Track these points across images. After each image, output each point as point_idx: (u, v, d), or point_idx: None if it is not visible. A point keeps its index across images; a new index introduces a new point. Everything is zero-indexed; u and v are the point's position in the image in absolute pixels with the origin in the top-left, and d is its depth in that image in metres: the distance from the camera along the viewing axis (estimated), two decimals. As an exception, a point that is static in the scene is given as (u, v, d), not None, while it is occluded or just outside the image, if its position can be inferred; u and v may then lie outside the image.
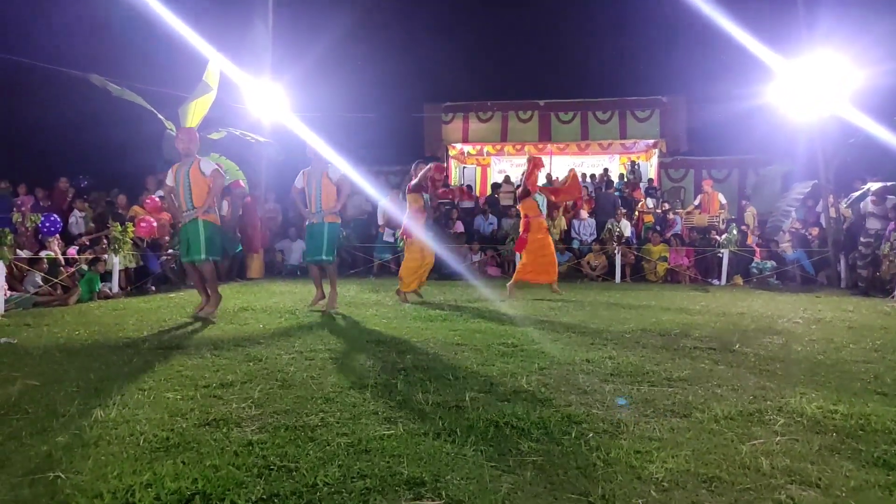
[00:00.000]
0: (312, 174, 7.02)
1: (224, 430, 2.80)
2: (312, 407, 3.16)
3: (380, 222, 13.50)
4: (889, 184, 10.12)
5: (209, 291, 6.46)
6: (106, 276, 8.80)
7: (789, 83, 11.96)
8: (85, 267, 8.48)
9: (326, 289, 7.27)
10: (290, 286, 9.95)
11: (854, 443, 2.68)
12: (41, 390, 3.51)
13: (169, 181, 6.54)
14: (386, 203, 13.17)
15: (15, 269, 7.67)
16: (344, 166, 7.05)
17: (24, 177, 12.15)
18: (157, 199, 10.85)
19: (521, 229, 9.16)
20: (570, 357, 4.46)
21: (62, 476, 2.29)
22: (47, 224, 9.26)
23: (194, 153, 6.50)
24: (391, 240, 13.09)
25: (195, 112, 10.83)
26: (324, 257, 7.05)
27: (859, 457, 2.52)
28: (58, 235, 8.71)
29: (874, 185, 10.72)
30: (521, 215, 9.16)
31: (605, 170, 18.89)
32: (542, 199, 9.01)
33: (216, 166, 6.47)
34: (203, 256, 6.28)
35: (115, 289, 8.84)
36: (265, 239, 12.73)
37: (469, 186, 19.22)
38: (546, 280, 9.03)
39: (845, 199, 11.93)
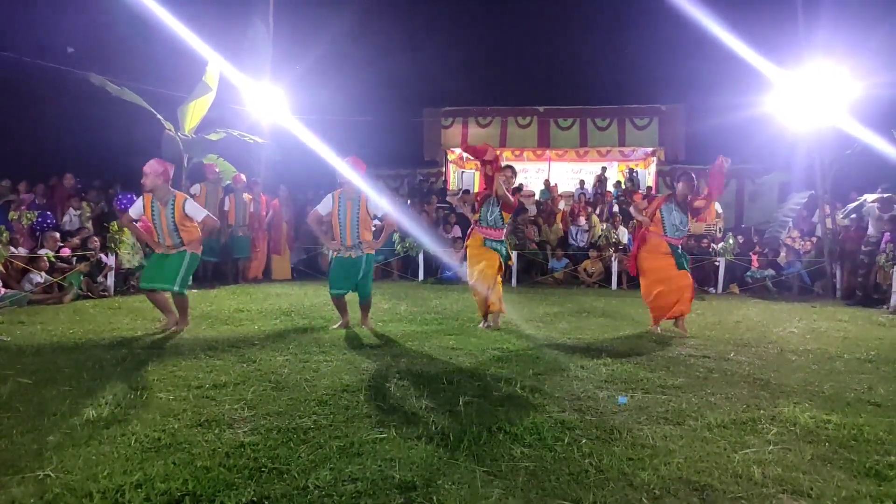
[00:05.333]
0: (344, 201, 5.96)
1: (216, 432, 2.79)
2: (305, 409, 3.16)
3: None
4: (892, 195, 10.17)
5: (180, 315, 5.86)
6: (92, 273, 8.73)
7: (788, 93, 12.01)
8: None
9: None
10: (286, 288, 9.93)
11: (847, 453, 2.68)
12: (33, 389, 3.50)
13: (135, 213, 5.83)
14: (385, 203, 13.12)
15: (10, 266, 7.65)
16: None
17: (23, 175, 12.10)
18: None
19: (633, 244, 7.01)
20: (565, 363, 4.46)
21: (51, 475, 2.29)
22: (42, 221, 9.23)
23: (165, 188, 5.74)
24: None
25: (194, 113, 10.86)
26: (369, 294, 6.17)
27: (851, 467, 2.53)
28: (56, 234, 8.67)
29: (870, 196, 10.76)
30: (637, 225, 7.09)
31: (604, 168, 18.79)
32: (670, 213, 6.36)
33: (206, 212, 5.89)
34: (177, 289, 5.71)
35: (111, 287, 8.81)
36: (291, 241, 12.69)
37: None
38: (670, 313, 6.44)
39: (842, 210, 11.98)
